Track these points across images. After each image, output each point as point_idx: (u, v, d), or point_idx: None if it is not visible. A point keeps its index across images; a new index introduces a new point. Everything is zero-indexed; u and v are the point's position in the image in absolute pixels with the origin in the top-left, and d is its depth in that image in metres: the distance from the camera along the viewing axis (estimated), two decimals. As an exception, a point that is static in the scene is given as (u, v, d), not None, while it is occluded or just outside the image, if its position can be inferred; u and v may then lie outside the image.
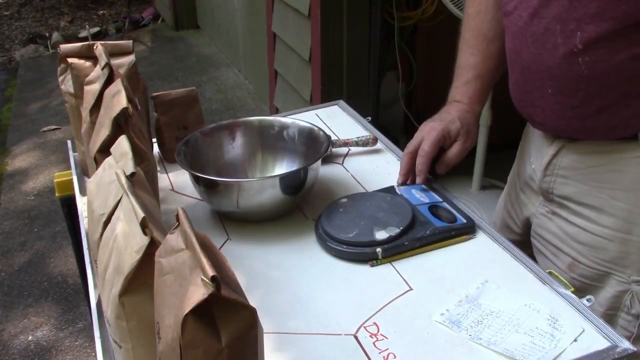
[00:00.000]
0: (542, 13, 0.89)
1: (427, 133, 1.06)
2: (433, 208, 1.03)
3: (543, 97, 0.95)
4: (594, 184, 0.96)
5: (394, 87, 2.65)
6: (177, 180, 1.20)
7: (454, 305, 0.86)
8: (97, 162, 0.85)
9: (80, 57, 1.12)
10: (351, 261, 0.95)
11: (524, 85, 0.99)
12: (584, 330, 0.79)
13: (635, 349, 0.77)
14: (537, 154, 1.06)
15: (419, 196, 1.06)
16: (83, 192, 1.16)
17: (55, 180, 1.25)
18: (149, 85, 1.24)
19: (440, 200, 1.06)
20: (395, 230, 0.95)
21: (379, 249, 0.93)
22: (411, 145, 1.08)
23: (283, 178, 1.02)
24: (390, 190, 1.09)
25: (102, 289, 0.70)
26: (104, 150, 0.84)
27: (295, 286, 0.91)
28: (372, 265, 0.93)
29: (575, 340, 0.78)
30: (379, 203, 1.03)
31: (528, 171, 1.10)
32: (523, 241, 1.15)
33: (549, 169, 1.02)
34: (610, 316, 0.98)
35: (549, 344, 0.77)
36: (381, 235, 0.95)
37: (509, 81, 1.04)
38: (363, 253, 0.94)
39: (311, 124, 1.17)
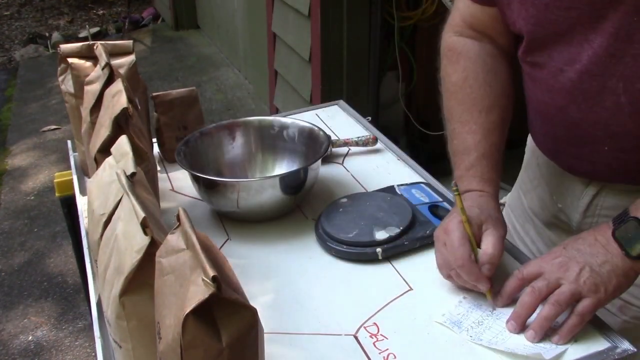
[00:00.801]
0: (595, 70, 0.81)
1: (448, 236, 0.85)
2: (433, 208, 1.02)
3: (596, 151, 0.88)
4: None
5: (394, 87, 2.65)
6: (177, 180, 1.20)
7: (454, 306, 0.85)
8: (97, 162, 0.85)
9: (80, 57, 1.12)
10: (351, 261, 0.95)
11: (567, 140, 0.91)
12: (584, 332, 0.78)
13: (635, 349, 0.77)
14: (565, 193, 1.00)
15: (419, 196, 1.06)
16: (83, 192, 1.16)
17: (55, 180, 1.25)
18: (149, 85, 1.24)
19: (440, 200, 1.06)
20: (395, 230, 0.95)
21: (379, 249, 0.94)
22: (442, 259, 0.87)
23: (283, 178, 1.02)
24: (390, 190, 1.09)
25: (102, 289, 0.70)
26: (104, 150, 0.84)
27: (295, 286, 0.91)
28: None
29: (575, 340, 0.78)
30: (379, 203, 1.03)
31: (551, 210, 1.04)
32: None
33: (589, 209, 0.97)
34: None
35: (550, 344, 0.77)
36: (381, 235, 0.95)
37: (537, 130, 0.96)
38: (363, 253, 0.94)
39: (311, 124, 1.17)
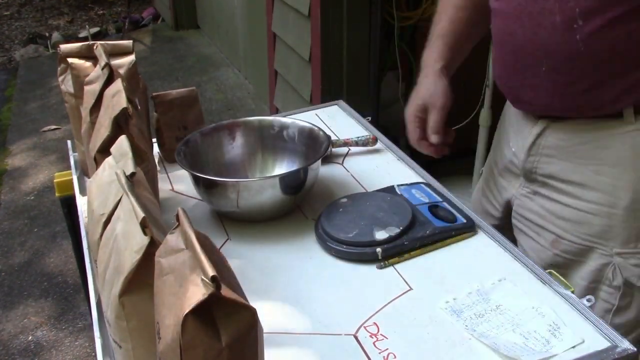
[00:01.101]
0: None
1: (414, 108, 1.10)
2: (433, 208, 1.02)
3: (536, 75, 0.97)
4: (579, 160, 0.99)
5: (394, 87, 2.65)
6: (177, 180, 1.20)
7: (464, 295, 0.86)
8: (97, 162, 0.85)
9: (80, 57, 1.12)
10: (351, 261, 0.95)
11: (514, 66, 1.01)
12: (583, 341, 0.78)
13: (635, 349, 0.77)
14: (517, 136, 1.09)
15: (419, 196, 1.06)
16: (83, 192, 1.16)
17: (55, 180, 1.25)
18: (149, 85, 1.24)
19: (440, 200, 1.06)
20: (395, 230, 0.95)
21: (378, 249, 0.93)
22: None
23: (283, 178, 1.02)
24: (390, 190, 1.09)
25: (102, 289, 0.70)
26: (104, 150, 0.84)
27: (295, 286, 0.91)
28: (380, 268, 0.93)
29: (573, 347, 0.78)
30: (379, 203, 1.03)
31: (507, 155, 1.13)
32: (502, 225, 1.17)
33: (533, 149, 1.04)
34: (592, 289, 1.00)
35: (540, 347, 0.77)
36: (381, 235, 0.95)
37: (494, 63, 1.07)
38: (363, 253, 0.94)
39: (311, 124, 1.17)
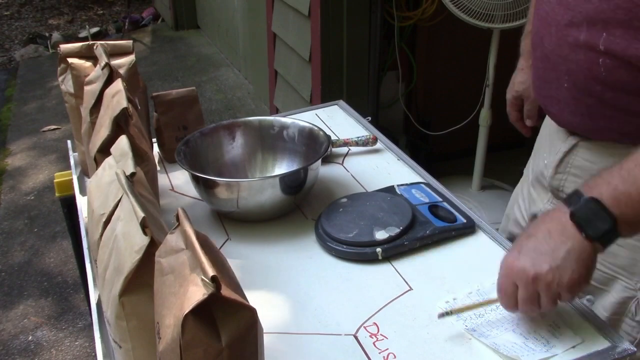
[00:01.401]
0: (570, 3, 0.86)
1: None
2: (433, 208, 1.02)
3: (559, 89, 0.93)
4: None
5: (394, 87, 2.65)
6: (177, 180, 1.20)
7: (464, 295, 0.86)
8: (97, 162, 0.85)
9: (80, 57, 1.12)
10: (351, 261, 0.95)
11: (543, 73, 0.98)
12: (583, 341, 0.78)
13: (635, 349, 0.77)
14: (550, 149, 1.04)
15: (419, 196, 1.06)
16: (83, 192, 1.16)
17: (55, 181, 1.25)
18: (149, 85, 1.24)
19: (440, 200, 1.06)
20: (395, 230, 0.95)
21: (379, 249, 0.94)
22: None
23: (283, 178, 1.02)
24: (390, 190, 1.09)
25: (102, 289, 0.70)
26: (104, 150, 0.84)
27: (295, 286, 0.91)
28: (441, 317, 0.83)
29: (573, 347, 0.78)
30: (379, 203, 1.03)
31: (540, 166, 1.09)
32: None
33: (561, 166, 1.00)
34: (614, 321, 0.97)
35: (540, 347, 0.77)
36: (381, 235, 0.95)
37: (532, 65, 1.05)
38: (363, 253, 0.94)
39: (311, 124, 1.17)
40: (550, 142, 1.05)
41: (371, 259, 0.94)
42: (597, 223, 0.74)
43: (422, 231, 0.97)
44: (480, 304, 0.82)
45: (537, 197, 1.10)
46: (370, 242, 0.94)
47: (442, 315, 0.81)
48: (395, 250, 0.95)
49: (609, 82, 0.85)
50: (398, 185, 1.10)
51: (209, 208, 1.10)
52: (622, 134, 0.90)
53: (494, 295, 0.86)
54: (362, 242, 0.95)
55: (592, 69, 0.86)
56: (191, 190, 1.13)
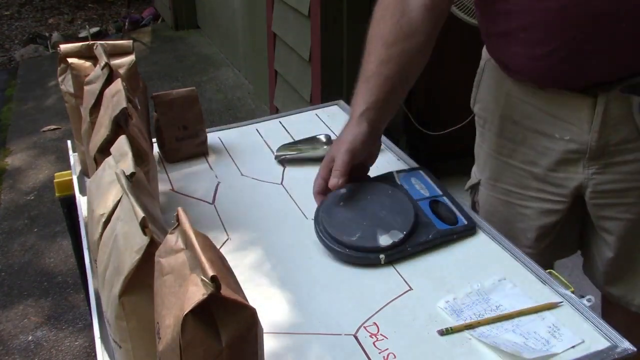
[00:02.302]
0: None
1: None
2: (434, 204, 1.02)
3: (617, 31, 0.93)
4: None
5: (394, 87, 2.65)
6: (177, 180, 1.20)
7: (464, 295, 0.86)
8: (97, 162, 0.85)
9: (80, 57, 1.12)
10: (353, 265, 0.95)
11: (585, 35, 0.94)
12: (583, 341, 0.78)
13: (635, 349, 0.77)
14: (573, 121, 1.04)
15: (419, 188, 1.06)
16: (83, 192, 1.15)
17: (55, 180, 1.25)
18: (149, 85, 1.24)
19: (441, 193, 1.05)
20: (398, 236, 0.95)
21: (382, 255, 0.93)
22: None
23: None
24: (390, 179, 1.08)
25: (102, 289, 0.70)
26: (104, 150, 0.84)
27: (295, 286, 0.91)
28: (442, 334, 0.82)
29: (573, 347, 0.78)
30: (381, 198, 1.02)
31: (558, 148, 1.08)
32: (569, 217, 1.15)
33: (604, 123, 1.00)
34: None
35: (540, 347, 0.77)
36: (385, 240, 0.94)
37: (537, 55, 1.00)
38: (366, 258, 0.94)
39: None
40: (569, 116, 1.04)
41: (373, 264, 0.94)
42: None
43: (425, 235, 0.96)
44: (479, 323, 0.82)
45: (568, 174, 1.09)
46: (374, 248, 0.94)
47: (442, 333, 0.81)
48: (397, 255, 0.94)
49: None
50: (397, 172, 1.09)
51: (209, 208, 1.10)
52: None
53: (494, 295, 0.86)
54: (366, 248, 0.94)
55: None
56: (191, 190, 1.13)
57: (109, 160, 0.80)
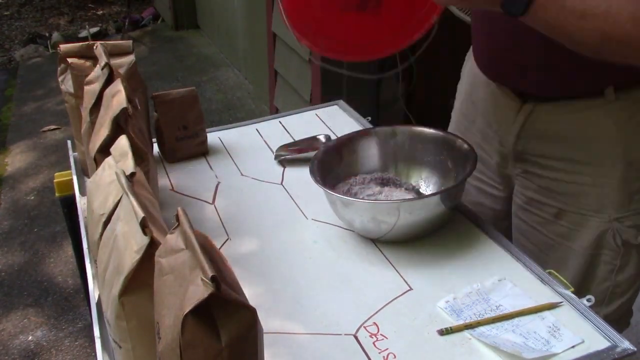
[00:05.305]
0: None
1: None
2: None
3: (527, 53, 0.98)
4: (568, 138, 1.02)
5: (394, 87, 2.65)
6: (177, 180, 1.20)
7: (464, 295, 0.86)
8: (97, 162, 0.85)
9: (80, 57, 1.12)
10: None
11: (503, 42, 1.01)
12: (583, 341, 0.78)
13: (635, 349, 0.77)
14: (501, 119, 1.09)
15: None
16: (83, 192, 1.15)
17: (55, 180, 1.25)
18: (149, 85, 1.24)
19: None
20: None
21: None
22: None
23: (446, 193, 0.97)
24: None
25: (102, 289, 0.70)
26: (104, 150, 0.84)
27: (295, 286, 0.91)
28: (442, 334, 0.82)
29: (573, 347, 0.78)
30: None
31: (491, 137, 1.13)
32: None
33: (523, 131, 1.05)
34: (595, 256, 1.05)
35: (540, 347, 0.77)
36: None
37: (480, 41, 1.09)
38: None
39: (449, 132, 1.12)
40: (500, 113, 1.09)
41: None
42: None
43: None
44: (479, 323, 0.82)
45: (502, 162, 1.14)
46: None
47: (442, 333, 0.81)
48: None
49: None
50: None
51: (209, 208, 1.10)
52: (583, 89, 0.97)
53: (494, 295, 0.86)
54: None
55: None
56: (191, 190, 1.13)
57: (109, 160, 0.80)
